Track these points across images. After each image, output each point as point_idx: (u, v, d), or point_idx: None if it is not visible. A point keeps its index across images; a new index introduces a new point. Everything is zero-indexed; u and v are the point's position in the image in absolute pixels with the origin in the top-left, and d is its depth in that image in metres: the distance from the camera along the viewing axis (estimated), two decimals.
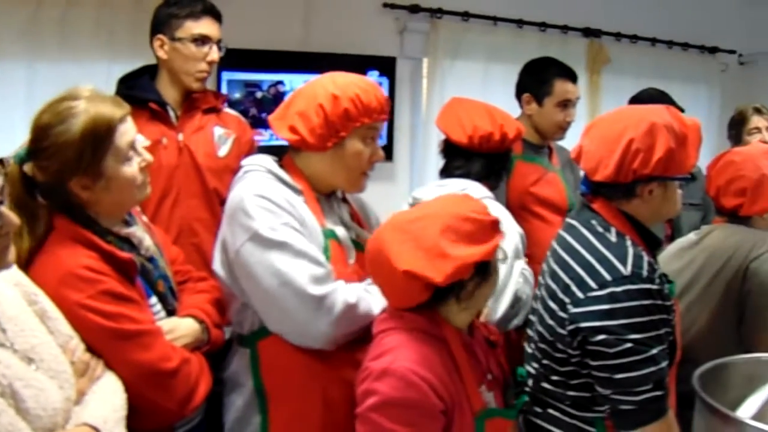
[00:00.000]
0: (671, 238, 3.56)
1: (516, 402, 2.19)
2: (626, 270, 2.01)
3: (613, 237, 2.11)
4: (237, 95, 4.43)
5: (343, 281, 2.17)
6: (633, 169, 2.08)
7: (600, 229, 2.13)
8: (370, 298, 2.18)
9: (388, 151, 4.87)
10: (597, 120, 2.34)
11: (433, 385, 1.88)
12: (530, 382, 2.26)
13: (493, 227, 2.00)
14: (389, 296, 2.05)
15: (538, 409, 2.21)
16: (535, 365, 2.23)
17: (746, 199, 2.73)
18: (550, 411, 2.17)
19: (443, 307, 2.01)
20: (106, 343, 1.87)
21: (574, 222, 2.23)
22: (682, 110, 3.93)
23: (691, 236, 2.92)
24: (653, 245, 2.22)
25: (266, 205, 2.13)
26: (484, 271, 2.00)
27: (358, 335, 2.17)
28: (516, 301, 2.64)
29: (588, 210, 2.22)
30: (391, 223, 2.03)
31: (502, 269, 2.58)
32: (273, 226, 2.11)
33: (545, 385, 2.18)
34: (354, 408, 1.96)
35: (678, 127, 2.13)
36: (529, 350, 2.29)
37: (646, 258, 2.07)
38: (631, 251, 2.06)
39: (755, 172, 2.72)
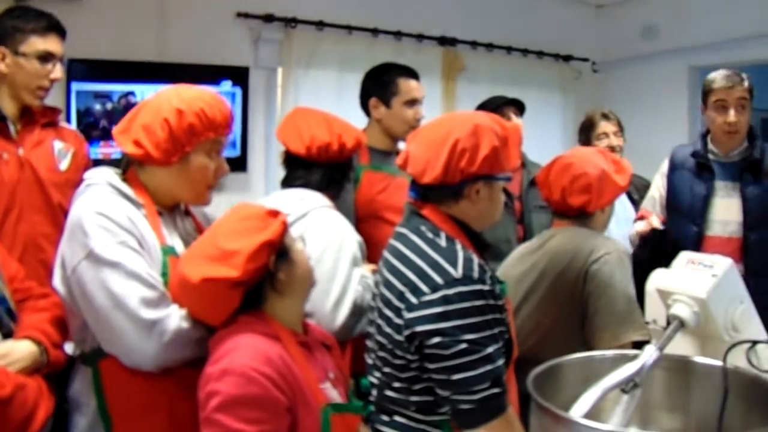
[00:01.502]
0: (524, 241, 3.67)
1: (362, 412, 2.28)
2: (457, 273, 2.07)
3: (443, 241, 2.17)
4: (86, 106, 4.40)
5: (177, 306, 2.16)
6: (460, 169, 2.17)
7: (430, 235, 2.20)
8: None
9: (242, 162, 4.96)
10: (422, 126, 2.43)
11: (273, 380, 1.95)
12: (374, 392, 2.30)
13: (271, 214, 2.12)
14: (206, 316, 2.13)
15: (385, 418, 2.25)
16: (378, 374, 2.27)
17: (593, 195, 2.88)
18: (397, 418, 2.23)
19: (268, 304, 2.12)
20: None
21: (403, 230, 2.29)
22: (524, 109, 4.29)
23: (535, 240, 3.07)
24: (482, 248, 2.31)
25: (104, 223, 2.12)
26: (286, 255, 2.12)
27: (198, 356, 2.17)
28: (356, 308, 2.72)
29: (417, 216, 2.28)
30: (182, 256, 2.16)
31: (340, 274, 2.73)
32: (108, 245, 2.10)
33: (389, 393, 2.22)
34: None
35: (499, 129, 2.25)
36: (370, 360, 2.33)
37: (476, 260, 2.14)
38: (461, 254, 2.13)
39: (595, 169, 2.88)
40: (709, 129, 3.88)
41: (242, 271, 2.02)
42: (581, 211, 2.95)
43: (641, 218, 4.06)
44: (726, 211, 3.73)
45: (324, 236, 2.80)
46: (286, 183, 3.05)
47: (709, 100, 3.73)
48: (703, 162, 3.83)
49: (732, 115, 3.63)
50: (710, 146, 3.84)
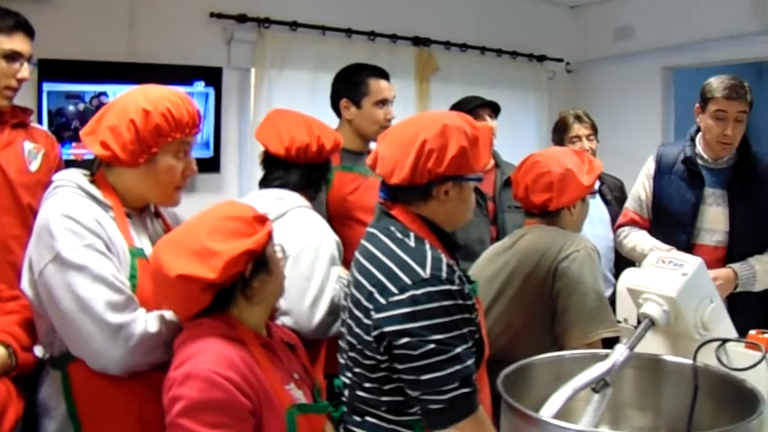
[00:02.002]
0: (497, 241, 3.60)
1: (334, 414, 2.30)
2: (425, 273, 2.08)
3: (411, 242, 2.19)
4: (58, 107, 4.38)
5: (144, 310, 2.17)
6: (428, 169, 2.18)
7: (399, 235, 2.21)
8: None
9: (215, 163, 4.95)
10: (392, 127, 2.46)
11: (237, 384, 1.96)
12: (346, 392, 2.32)
13: (259, 221, 2.13)
14: (174, 307, 2.13)
15: (357, 419, 2.26)
16: (349, 374, 2.28)
17: (554, 194, 2.91)
18: (368, 419, 2.24)
19: (235, 308, 2.12)
20: None
21: (373, 230, 2.31)
22: (498, 111, 4.29)
23: (506, 240, 3.09)
24: (452, 248, 2.32)
25: (71, 225, 2.12)
26: (264, 265, 2.12)
27: (166, 360, 2.15)
28: (333, 307, 2.75)
29: (387, 217, 2.30)
30: (163, 239, 2.14)
31: (318, 273, 2.76)
32: (75, 248, 2.10)
33: (360, 393, 2.23)
34: None
35: (469, 129, 2.26)
36: (342, 361, 2.34)
37: (445, 260, 2.15)
38: (429, 254, 2.14)
39: (560, 167, 2.91)
40: (698, 131, 3.84)
41: (219, 275, 2.01)
42: (544, 208, 2.98)
43: (630, 221, 4.05)
44: (713, 220, 3.72)
45: (302, 235, 2.83)
46: (265, 183, 3.08)
47: (708, 107, 3.66)
48: (693, 168, 3.79)
49: (730, 128, 3.59)
50: (699, 150, 3.81)
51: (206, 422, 1.91)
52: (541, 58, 6.78)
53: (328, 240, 2.89)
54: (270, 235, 2.17)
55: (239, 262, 2.05)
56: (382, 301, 2.11)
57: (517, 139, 6.03)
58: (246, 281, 2.11)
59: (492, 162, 4.09)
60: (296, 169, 3.02)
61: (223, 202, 2.26)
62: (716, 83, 3.63)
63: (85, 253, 2.10)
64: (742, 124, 3.62)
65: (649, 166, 4.02)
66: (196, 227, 2.10)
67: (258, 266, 2.12)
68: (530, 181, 2.97)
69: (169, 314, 2.21)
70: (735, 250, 3.65)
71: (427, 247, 2.18)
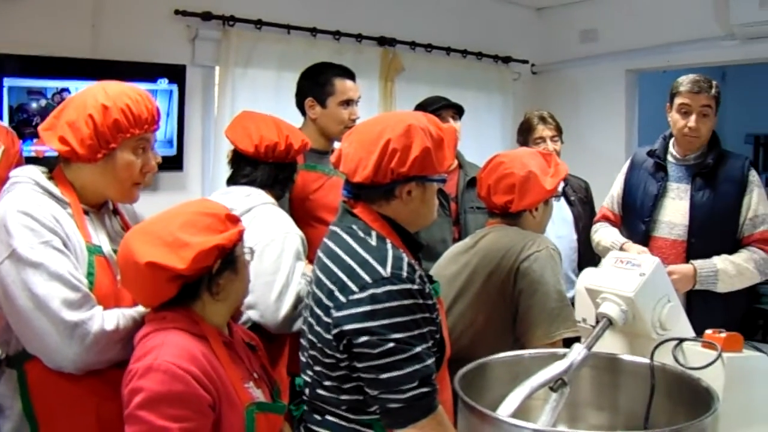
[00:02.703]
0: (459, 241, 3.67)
1: (295, 413, 2.33)
2: (386, 271, 2.09)
3: (373, 240, 2.20)
4: (19, 103, 4.31)
5: (102, 308, 2.17)
6: (391, 168, 2.19)
7: (361, 234, 2.22)
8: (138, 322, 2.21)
9: (178, 161, 4.90)
10: (357, 125, 2.47)
11: (198, 377, 1.98)
12: (307, 390, 2.32)
13: (230, 219, 2.16)
14: (138, 294, 2.15)
15: (318, 417, 2.27)
16: (310, 373, 2.29)
17: (515, 195, 2.94)
18: (328, 417, 2.24)
19: (199, 303, 2.14)
20: None
21: (335, 228, 2.31)
22: (462, 113, 4.31)
23: (467, 240, 3.11)
24: (415, 248, 2.34)
25: (28, 222, 2.11)
26: (232, 264, 2.16)
27: (123, 359, 2.16)
28: (299, 302, 2.78)
29: (349, 215, 2.30)
30: (135, 228, 2.16)
31: (284, 267, 2.79)
32: (32, 245, 2.09)
33: (320, 391, 2.23)
34: None
35: (434, 130, 2.27)
36: (303, 359, 2.34)
37: (406, 259, 2.16)
38: (391, 253, 2.15)
39: (522, 170, 2.94)
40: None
41: (188, 266, 2.04)
42: (505, 210, 3.00)
43: (602, 217, 4.14)
44: (674, 213, 3.77)
45: (268, 230, 2.87)
46: (232, 180, 3.13)
47: (674, 102, 3.75)
48: (659, 162, 3.87)
49: (693, 120, 3.65)
50: (671, 148, 3.88)
51: (166, 415, 1.92)
52: (507, 60, 6.80)
53: (293, 235, 2.92)
54: (241, 235, 2.20)
55: (208, 256, 2.08)
56: (343, 299, 2.11)
57: (481, 140, 6.05)
58: (212, 277, 2.13)
59: (455, 162, 4.11)
60: (264, 167, 3.07)
61: (198, 199, 2.31)
62: (682, 79, 3.73)
63: (42, 251, 2.10)
64: (707, 119, 3.69)
65: (625, 165, 4.13)
66: (170, 219, 2.12)
67: (226, 264, 2.15)
68: (493, 182, 3.00)
69: (127, 312, 2.22)
70: (695, 245, 3.69)
71: (389, 246, 2.19)
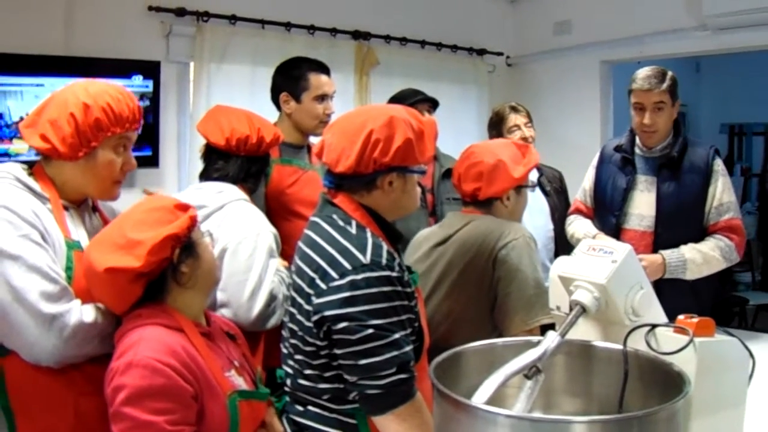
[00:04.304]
0: None
1: (277, 404, 2.36)
2: (365, 258, 2.14)
3: (353, 229, 2.24)
4: None
5: (80, 301, 2.18)
6: (373, 159, 2.24)
7: (341, 223, 2.26)
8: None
9: (154, 158, 4.90)
10: (339, 117, 2.49)
11: (178, 370, 2.00)
12: (288, 381, 2.35)
13: (180, 208, 2.18)
14: (108, 302, 2.17)
15: (299, 408, 2.30)
16: (291, 362, 2.32)
17: (483, 183, 3.00)
18: (310, 408, 2.28)
19: (169, 296, 2.17)
20: None
21: (316, 219, 2.35)
22: (437, 106, 4.34)
23: (436, 229, 3.18)
24: (394, 238, 2.38)
25: (7, 216, 2.12)
26: (191, 249, 2.19)
27: (101, 353, 2.19)
28: (272, 299, 2.80)
29: (330, 205, 2.34)
30: (93, 239, 2.20)
31: (257, 265, 2.80)
32: (10, 238, 2.09)
33: (302, 381, 2.27)
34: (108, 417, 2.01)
35: (415, 122, 2.33)
36: (284, 349, 2.38)
37: (385, 247, 2.21)
38: (370, 241, 2.20)
39: (492, 158, 3.01)
40: None
41: (144, 262, 2.06)
42: (474, 197, 3.06)
43: (576, 209, 4.19)
44: (643, 205, 3.81)
45: (241, 228, 2.87)
46: (205, 175, 3.14)
47: (630, 98, 3.78)
48: (626, 156, 3.91)
49: (647, 117, 3.69)
50: (637, 141, 3.91)
51: (151, 409, 1.94)
52: (481, 52, 6.83)
53: (266, 232, 2.94)
54: (193, 220, 2.21)
55: (163, 248, 2.11)
56: (323, 286, 2.16)
57: (457, 132, 6.05)
58: (175, 267, 2.16)
59: None
60: (236, 160, 3.09)
61: (146, 198, 2.32)
62: (635, 75, 3.75)
63: (20, 243, 2.11)
64: (662, 112, 3.71)
65: (595, 158, 4.16)
66: (121, 224, 2.16)
67: (185, 251, 2.18)
68: (463, 170, 3.08)
69: (104, 306, 2.23)
70: (662, 235, 3.74)
71: (369, 234, 2.24)
